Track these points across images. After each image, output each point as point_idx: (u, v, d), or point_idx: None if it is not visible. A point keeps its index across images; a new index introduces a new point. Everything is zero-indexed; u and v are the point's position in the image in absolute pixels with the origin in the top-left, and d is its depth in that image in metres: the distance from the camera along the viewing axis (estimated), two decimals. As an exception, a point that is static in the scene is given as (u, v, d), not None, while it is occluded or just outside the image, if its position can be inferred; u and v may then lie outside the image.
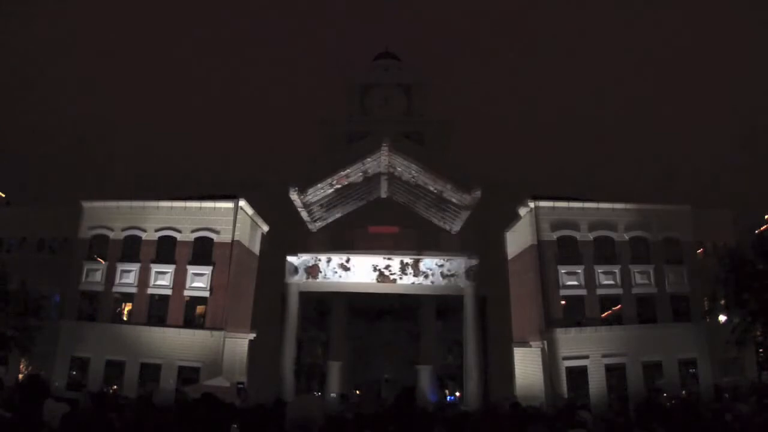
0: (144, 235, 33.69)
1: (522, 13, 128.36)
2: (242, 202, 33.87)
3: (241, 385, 26.99)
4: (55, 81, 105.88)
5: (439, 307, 39.33)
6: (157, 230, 33.72)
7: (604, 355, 31.14)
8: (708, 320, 31.79)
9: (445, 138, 45.31)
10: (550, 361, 30.88)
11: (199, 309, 33.31)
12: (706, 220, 34.74)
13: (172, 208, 34.10)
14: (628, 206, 34.32)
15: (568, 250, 33.39)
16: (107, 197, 35.49)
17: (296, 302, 35.57)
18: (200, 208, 33.92)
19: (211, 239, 33.37)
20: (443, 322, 40.51)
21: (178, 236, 33.55)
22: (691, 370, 32.05)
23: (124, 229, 33.91)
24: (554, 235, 33.30)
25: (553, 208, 33.90)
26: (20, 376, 29.49)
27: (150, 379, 30.85)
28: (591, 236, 33.57)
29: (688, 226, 34.18)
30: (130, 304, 33.31)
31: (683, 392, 30.34)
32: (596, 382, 30.83)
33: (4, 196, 57.30)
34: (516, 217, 35.82)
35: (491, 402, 27.83)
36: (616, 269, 33.14)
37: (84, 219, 34.34)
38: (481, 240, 36.50)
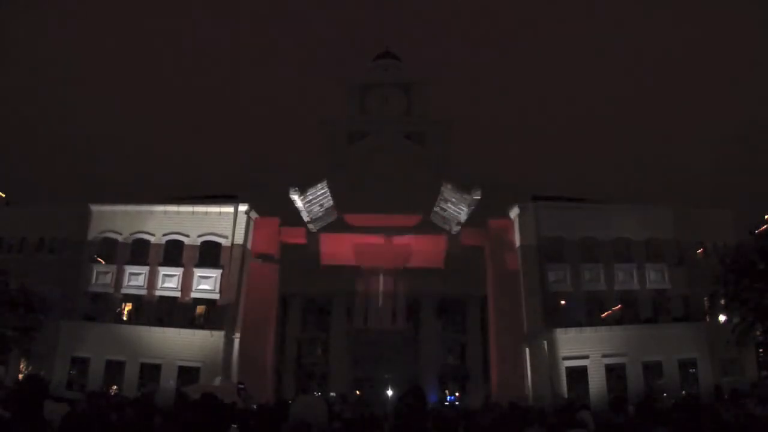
0: (152, 239, 34.04)
1: (522, 13, 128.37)
2: (244, 207, 34.03)
3: (242, 386, 26.96)
4: (56, 81, 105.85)
5: (440, 307, 39.37)
6: (164, 234, 34.03)
7: (604, 355, 31.12)
8: (708, 320, 31.79)
9: (444, 138, 45.29)
10: (550, 361, 30.87)
11: (199, 309, 33.38)
12: (706, 220, 34.74)
13: (179, 212, 34.39)
14: (622, 207, 34.48)
15: (564, 252, 33.50)
16: (108, 197, 35.63)
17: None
18: (206, 213, 34.31)
19: (218, 242, 33.83)
20: (443, 322, 40.53)
21: (186, 240, 33.92)
22: (691, 370, 32.04)
23: (132, 233, 34.24)
24: (548, 235, 33.39)
25: (547, 208, 33.95)
26: (20, 376, 29.47)
27: (150, 380, 30.91)
28: (585, 237, 33.65)
29: (687, 226, 34.21)
30: (131, 304, 33.40)
31: (683, 392, 30.33)
32: (596, 382, 30.82)
33: (4, 196, 57.17)
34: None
35: (491, 402, 27.81)
36: (613, 269, 33.21)
37: (92, 222, 34.50)
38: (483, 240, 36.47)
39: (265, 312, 36.03)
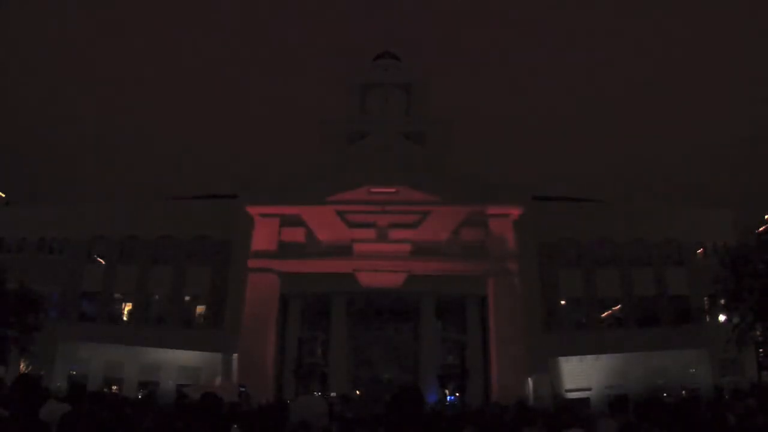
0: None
1: (522, 13, 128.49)
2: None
3: (243, 389, 26.97)
4: (57, 81, 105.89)
5: (439, 307, 39.34)
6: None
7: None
8: (708, 320, 31.79)
9: (445, 138, 45.18)
10: (550, 362, 30.87)
11: (199, 309, 33.38)
12: (706, 220, 34.74)
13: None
14: (622, 207, 34.60)
15: (568, 254, 33.58)
16: (107, 197, 35.59)
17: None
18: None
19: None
20: (443, 322, 40.46)
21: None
22: (691, 370, 32.04)
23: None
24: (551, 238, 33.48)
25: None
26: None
27: (150, 379, 30.98)
28: (585, 239, 33.74)
29: (687, 226, 34.26)
30: (130, 304, 33.42)
31: (683, 392, 30.35)
32: (596, 382, 30.85)
33: (4, 196, 57.16)
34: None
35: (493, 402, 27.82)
36: (614, 272, 33.27)
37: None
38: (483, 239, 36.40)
39: (265, 312, 35.93)
